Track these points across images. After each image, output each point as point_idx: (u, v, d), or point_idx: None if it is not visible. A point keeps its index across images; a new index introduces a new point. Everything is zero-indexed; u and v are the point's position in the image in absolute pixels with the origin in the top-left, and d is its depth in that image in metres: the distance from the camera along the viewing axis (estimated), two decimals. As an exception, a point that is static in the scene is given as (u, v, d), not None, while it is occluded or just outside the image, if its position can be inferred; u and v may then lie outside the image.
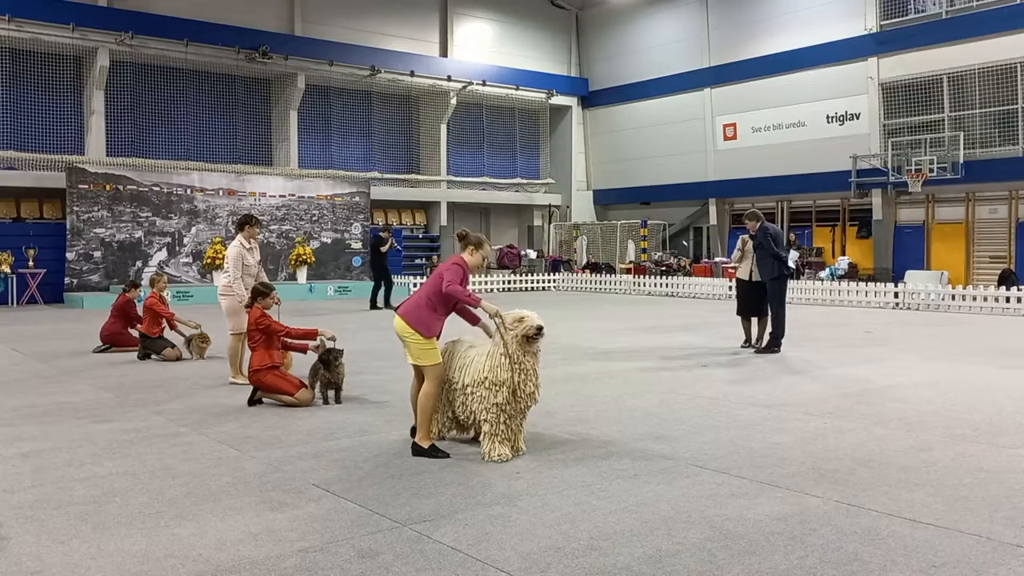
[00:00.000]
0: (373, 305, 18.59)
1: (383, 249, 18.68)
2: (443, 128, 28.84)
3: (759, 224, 11.20)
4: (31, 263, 20.62)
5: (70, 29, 21.64)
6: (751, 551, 3.90)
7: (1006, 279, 20.08)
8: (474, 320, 6.00)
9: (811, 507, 4.55)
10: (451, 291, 5.66)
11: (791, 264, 12.31)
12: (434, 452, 5.68)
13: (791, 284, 20.62)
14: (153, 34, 22.74)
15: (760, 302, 11.27)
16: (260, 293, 7.80)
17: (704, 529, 4.20)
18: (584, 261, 29.52)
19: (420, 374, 5.84)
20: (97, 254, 21.34)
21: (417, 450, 5.71)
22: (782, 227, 27.14)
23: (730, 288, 20.89)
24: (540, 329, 5.55)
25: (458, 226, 29.30)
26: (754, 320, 11.46)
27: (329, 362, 7.53)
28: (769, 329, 11.20)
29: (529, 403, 5.66)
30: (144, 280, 15.93)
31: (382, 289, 18.67)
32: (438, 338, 5.80)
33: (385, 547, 3.98)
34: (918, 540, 4.05)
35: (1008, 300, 17.37)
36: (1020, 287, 17.76)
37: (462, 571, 3.69)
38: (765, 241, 11.05)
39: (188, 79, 24.30)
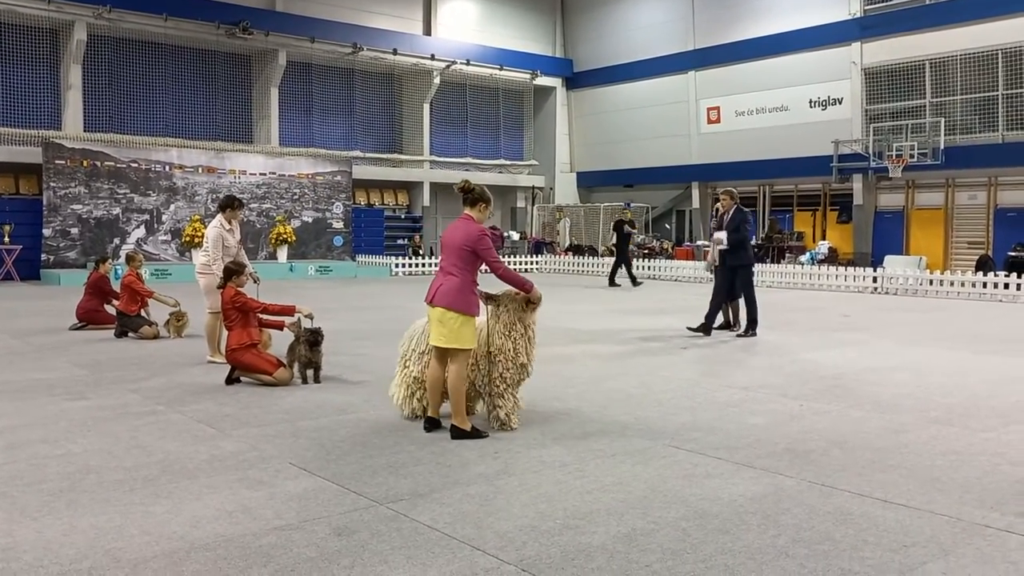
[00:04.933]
0: (612, 282, 20.15)
1: (626, 230, 20.26)
2: (426, 108, 28.67)
3: (735, 205, 11.13)
4: (7, 239, 20.38)
5: (46, 2, 21.28)
6: (725, 530, 3.93)
7: (983, 265, 20.28)
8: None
9: (785, 487, 4.59)
10: (509, 277, 5.62)
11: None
12: (477, 433, 5.56)
13: (773, 268, 20.88)
14: (131, 8, 22.42)
15: (733, 286, 11.27)
16: (232, 272, 7.74)
17: (679, 508, 4.23)
18: (567, 243, 29.53)
19: (443, 358, 5.65)
20: (74, 231, 21.11)
21: (458, 433, 5.53)
22: (764, 211, 27.29)
23: (710, 272, 20.97)
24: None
25: (441, 207, 29.29)
26: (740, 303, 11.48)
27: (316, 343, 7.48)
28: (743, 314, 11.22)
29: (521, 375, 5.78)
30: (119, 257, 15.77)
31: (621, 268, 20.27)
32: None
33: (362, 525, 3.97)
34: (889, 520, 4.09)
35: (985, 286, 17.55)
36: (997, 273, 17.95)
37: (438, 549, 3.69)
38: (743, 225, 10.99)
39: (167, 54, 24.00)
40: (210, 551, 3.65)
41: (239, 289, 7.68)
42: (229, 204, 8.82)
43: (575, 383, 7.60)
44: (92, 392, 7.10)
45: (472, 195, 5.70)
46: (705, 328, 11.00)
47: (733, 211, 11.05)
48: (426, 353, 5.88)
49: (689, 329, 11.06)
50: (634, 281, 20.11)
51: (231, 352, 7.50)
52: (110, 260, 12.18)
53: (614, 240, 20.93)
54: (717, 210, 11.35)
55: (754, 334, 10.99)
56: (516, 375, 5.78)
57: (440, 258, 5.77)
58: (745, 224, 11.04)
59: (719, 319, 11.59)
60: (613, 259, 20.98)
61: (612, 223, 22.37)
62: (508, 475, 4.78)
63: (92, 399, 6.81)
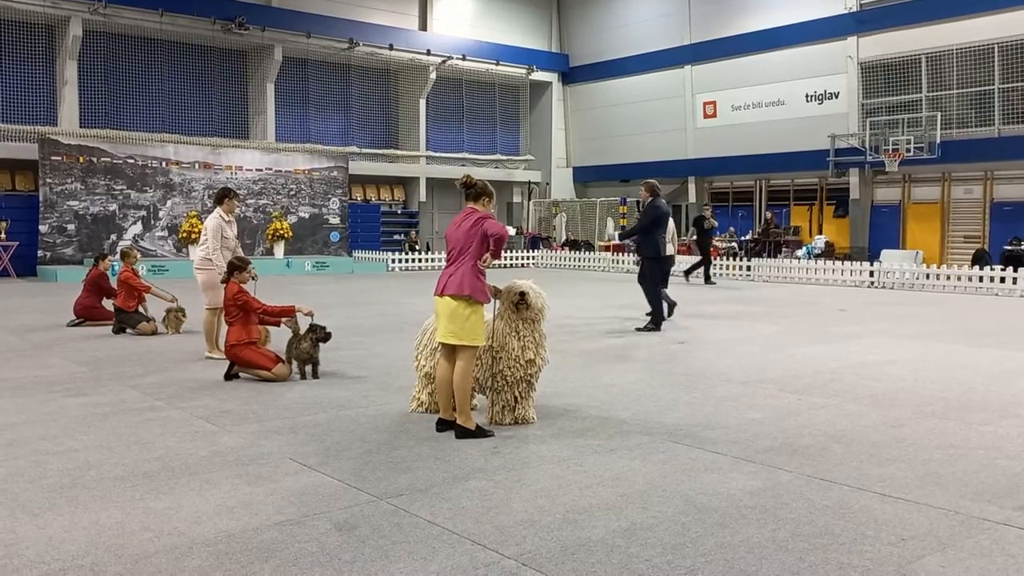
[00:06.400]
0: (693, 276, 19.74)
1: (706, 226, 19.80)
2: (422, 103, 28.62)
3: (651, 198, 11.14)
4: (3, 235, 20.32)
5: (41, -3, 21.20)
6: (724, 524, 3.95)
7: (980, 259, 20.33)
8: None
9: (784, 482, 4.61)
10: (501, 241, 5.48)
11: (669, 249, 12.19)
12: (482, 432, 5.48)
13: (769, 263, 20.91)
14: (127, 3, 22.31)
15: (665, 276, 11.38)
16: (236, 267, 7.73)
17: (678, 503, 4.25)
18: (563, 238, 29.53)
19: (452, 356, 5.57)
20: (71, 227, 21.07)
21: (463, 433, 5.45)
22: (760, 206, 27.31)
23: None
24: (522, 295, 5.71)
25: (438, 202, 29.27)
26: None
27: (325, 339, 7.51)
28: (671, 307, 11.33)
29: (528, 370, 5.76)
30: (117, 254, 15.73)
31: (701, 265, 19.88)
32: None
33: (362, 520, 3.99)
34: (888, 514, 4.11)
35: (981, 280, 17.59)
36: (993, 267, 17.99)
37: (438, 544, 3.70)
38: (654, 218, 10.95)
39: (163, 50, 23.91)
40: (211, 546, 3.66)
41: (243, 287, 7.66)
42: (226, 195, 8.88)
43: (571, 378, 7.62)
44: (91, 388, 7.10)
45: (475, 189, 5.65)
46: (656, 322, 11.01)
47: (647, 203, 11.15)
48: (436, 350, 5.88)
49: (637, 330, 10.97)
50: (707, 279, 19.50)
51: (230, 348, 7.50)
52: (109, 257, 12.17)
53: (695, 236, 20.39)
54: (638, 202, 11.50)
55: (655, 329, 10.88)
56: (519, 371, 5.74)
57: (446, 253, 5.71)
58: (659, 218, 10.99)
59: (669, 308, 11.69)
60: (698, 257, 20.08)
61: (693, 219, 22.02)
62: (507, 470, 4.80)
63: (91, 395, 6.82)
